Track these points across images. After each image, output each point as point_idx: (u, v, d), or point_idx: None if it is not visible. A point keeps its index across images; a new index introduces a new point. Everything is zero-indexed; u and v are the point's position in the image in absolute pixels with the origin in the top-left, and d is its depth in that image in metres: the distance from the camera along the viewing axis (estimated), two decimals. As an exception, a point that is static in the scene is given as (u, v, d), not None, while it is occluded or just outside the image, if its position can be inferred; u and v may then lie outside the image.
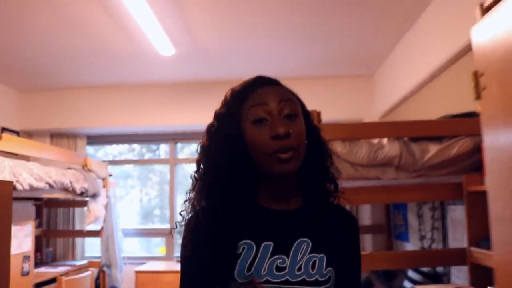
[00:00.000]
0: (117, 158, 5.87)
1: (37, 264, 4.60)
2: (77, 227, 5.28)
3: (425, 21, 3.33)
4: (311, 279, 1.01)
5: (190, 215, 1.09)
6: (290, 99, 1.05)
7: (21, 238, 3.54)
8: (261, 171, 1.06)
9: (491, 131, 1.24)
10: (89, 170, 4.64)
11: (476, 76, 1.14)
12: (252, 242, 1.03)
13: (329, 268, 1.03)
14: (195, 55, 4.13)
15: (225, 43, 3.93)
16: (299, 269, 1.01)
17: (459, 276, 2.77)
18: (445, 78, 3.18)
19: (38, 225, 4.94)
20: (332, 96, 4.88)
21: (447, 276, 2.97)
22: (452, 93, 3.05)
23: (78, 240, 5.27)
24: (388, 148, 2.31)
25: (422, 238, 3.43)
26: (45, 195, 3.84)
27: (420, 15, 3.34)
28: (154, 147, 5.98)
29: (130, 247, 5.59)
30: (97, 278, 4.81)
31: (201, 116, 4.91)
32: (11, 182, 1.75)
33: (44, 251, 5.05)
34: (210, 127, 1.11)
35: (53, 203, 5.13)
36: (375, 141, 2.36)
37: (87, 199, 4.64)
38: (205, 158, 1.09)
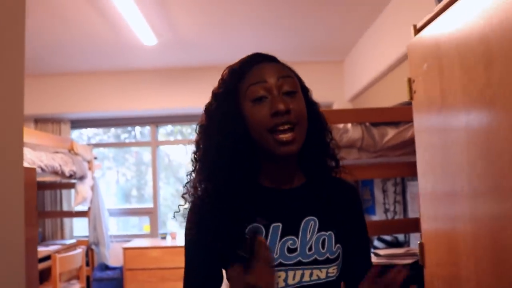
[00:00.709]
0: (92, 140, 6.07)
1: (28, 244, 4.83)
2: (65, 208, 5.52)
3: (388, 14, 3.64)
4: (322, 258, 1.02)
5: (193, 197, 1.08)
6: (289, 75, 1.04)
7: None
8: (262, 150, 1.04)
9: (419, 119, 1.53)
10: (76, 154, 4.87)
11: (410, 82, 1.47)
12: (260, 225, 1.03)
13: (338, 245, 1.04)
14: (176, 44, 4.37)
15: (204, 33, 4.17)
16: (310, 248, 1.01)
17: (416, 243, 3.14)
18: (404, 68, 3.50)
19: (27, 207, 5.14)
20: (305, 81, 5.16)
21: (407, 243, 3.34)
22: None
23: (66, 220, 5.51)
24: (352, 132, 2.63)
25: (386, 211, 3.79)
26: (37, 179, 4.08)
27: (385, 8, 3.65)
28: (129, 128, 6.16)
29: (111, 226, 5.86)
30: (86, 256, 5.09)
31: (180, 100, 5.22)
32: (34, 168, 1.98)
33: (33, 231, 5.28)
34: (208, 107, 1.09)
35: (40, 186, 5.34)
36: (341, 126, 2.68)
37: (74, 181, 4.89)
38: (204, 138, 1.07)
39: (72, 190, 5.22)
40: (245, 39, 4.38)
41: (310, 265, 1.01)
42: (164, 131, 6.12)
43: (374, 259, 2.48)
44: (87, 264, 4.94)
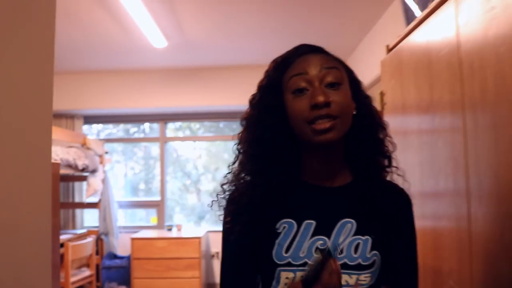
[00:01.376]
0: (101, 134, 6.29)
1: (42, 233, 5.10)
2: (76, 199, 5.79)
3: (380, 28, 3.85)
4: (353, 263, 0.96)
5: (231, 188, 1.07)
6: (333, 66, 0.99)
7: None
8: (303, 143, 1.01)
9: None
10: (88, 148, 5.14)
11: (381, 95, 1.70)
12: (293, 221, 0.99)
13: (374, 252, 0.97)
14: (184, 46, 4.61)
15: (211, 36, 4.41)
16: (341, 252, 0.96)
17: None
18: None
19: (41, 198, 5.42)
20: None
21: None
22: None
23: (77, 211, 5.79)
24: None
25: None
26: (52, 171, 4.34)
27: (378, 20, 3.86)
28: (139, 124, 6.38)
29: (120, 218, 6.10)
30: (96, 245, 5.36)
31: (188, 98, 5.47)
32: (59, 163, 2.21)
33: (46, 221, 5.55)
34: (252, 99, 1.08)
35: (54, 178, 5.62)
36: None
37: (86, 174, 5.16)
38: (247, 130, 1.06)
39: (84, 183, 5.50)
40: (249, 42, 4.61)
41: None
42: (173, 126, 6.33)
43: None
44: (97, 253, 5.21)
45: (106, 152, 5.61)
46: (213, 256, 5.66)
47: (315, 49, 1.05)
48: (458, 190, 1.12)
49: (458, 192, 1.12)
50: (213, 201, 1.08)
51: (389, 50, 1.63)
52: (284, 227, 0.99)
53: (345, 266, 0.96)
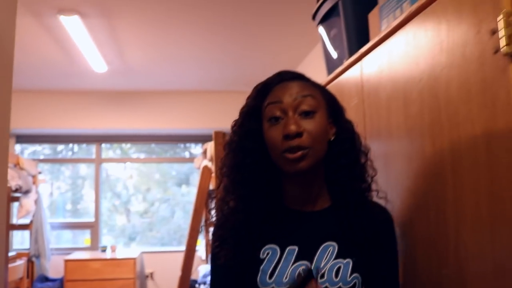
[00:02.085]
0: (25, 152, 6.14)
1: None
2: (5, 220, 5.63)
3: (312, 57, 4.21)
4: (334, 287, 0.96)
5: (219, 213, 1.09)
6: (309, 94, 1.00)
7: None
8: (281, 170, 1.02)
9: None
10: (21, 168, 5.07)
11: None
12: (276, 246, 1.01)
13: (355, 274, 0.97)
14: (124, 71, 4.75)
15: (150, 62, 4.58)
16: (322, 276, 0.97)
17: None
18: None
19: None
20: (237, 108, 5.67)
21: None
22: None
23: (6, 233, 5.62)
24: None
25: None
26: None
27: (310, 52, 4.23)
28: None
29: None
30: (27, 268, 5.24)
31: (125, 121, 5.59)
32: (10, 186, 2.23)
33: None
34: (233, 125, 1.09)
35: (-18, 199, 5.45)
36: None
37: (18, 195, 5.07)
38: (229, 155, 1.07)
39: (16, 203, 5.39)
40: (187, 68, 4.81)
41: None
42: (103, 145, 6.27)
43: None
44: (27, 276, 5.10)
45: (40, 172, 5.54)
46: (147, 276, 5.71)
47: (294, 76, 1.06)
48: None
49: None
50: (201, 225, 1.15)
51: (328, 83, 1.90)
52: (268, 253, 1.00)
53: None
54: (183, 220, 6.20)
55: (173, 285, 3.82)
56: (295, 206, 1.06)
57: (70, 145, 6.28)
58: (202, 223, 1.34)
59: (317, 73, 1.91)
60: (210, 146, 3.94)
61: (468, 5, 0.88)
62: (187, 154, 6.46)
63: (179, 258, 3.70)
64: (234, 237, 1.02)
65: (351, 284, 0.97)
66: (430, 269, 1.03)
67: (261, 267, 0.99)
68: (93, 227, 5.93)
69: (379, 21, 1.44)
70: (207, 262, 5.01)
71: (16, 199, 5.26)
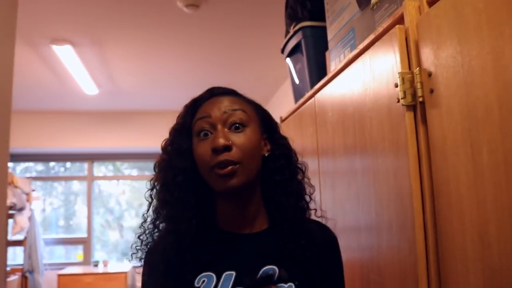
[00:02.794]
0: (17, 169, 6.34)
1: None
2: (0, 237, 5.78)
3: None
4: None
5: (149, 238, 1.01)
6: (239, 108, 0.96)
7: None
8: (212, 189, 0.96)
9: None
10: (15, 186, 5.25)
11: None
12: (212, 274, 0.93)
13: None
14: (114, 93, 4.97)
15: (138, 84, 4.82)
16: None
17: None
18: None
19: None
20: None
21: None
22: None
23: None
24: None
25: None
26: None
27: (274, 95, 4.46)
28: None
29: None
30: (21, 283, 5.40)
31: (115, 140, 5.77)
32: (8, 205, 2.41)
33: (-33, 260, 5.50)
34: (163, 143, 1.04)
35: (-23, 216, 5.60)
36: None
37: (12, 212, 5.24)
38: (159, 175, 1.01)
39: (10, 220, 5.55)
40: (172, 90, 5.03)
41: None
42: (96, 162, 6.47)
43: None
44: (21, 291, 5.25)
45: (33, 190, 5.72)
46: (138, 290, 5.87)
47: (225, 92, 1.03)
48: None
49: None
50: (132, 253, 1.02)
51: (283, 120, 2.12)
52: (204, 281, 0.92)
53: None
54: (176, 235, 6.35)
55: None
56: (231, 228, 0.99)
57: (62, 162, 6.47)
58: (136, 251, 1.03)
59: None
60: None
61: (383, 59, 1.10)
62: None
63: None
64: (165, 262, 0.94)
65: None
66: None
67: None
68: (85, 243, 6.10)
69: (329, 63, 1.67)
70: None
71: (11, 216, 5.42)
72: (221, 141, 0.91)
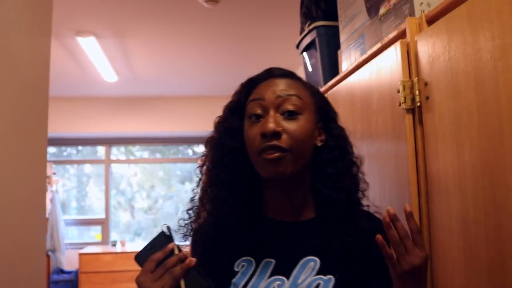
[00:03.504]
0: None
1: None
2: (23, 218, 6.04)
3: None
4: None
5: (195, 214, 0.99)
6: (294, 94, 0.92)
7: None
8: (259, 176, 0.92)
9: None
10: (38, 170, 5.48)
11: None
12: (252, 259, 0.92)
13: None
14: (132, 79, 5.15)
15: (157, 71, 4.99)
16: None
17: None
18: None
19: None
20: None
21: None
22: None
23: (23, 229, 6.04)
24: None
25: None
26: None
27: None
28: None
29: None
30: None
31: (133, 125, 5.98)
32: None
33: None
34: (216, 120, 1.01)
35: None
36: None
37: (35, 194, 5.48)
38: (208, 152, 0.99)
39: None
40: (191, 76, 5.21)
41: None
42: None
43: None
44: (44, 268, 5.51)
45: (54, 173, 5.96)
46: (154, 268, 6.11)
47: (283, 74, 0.98)
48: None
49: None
50: (179, 225, 1.01)
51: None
52: (243, 266, 0.92)
53: None
54: (188, 217, 6.58)
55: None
56: (276, 215, 0.97)
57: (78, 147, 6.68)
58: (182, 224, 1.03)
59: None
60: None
61: (388, 68, 1.27)
62: (190, 152, 6.84)
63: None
64: (203, 244, 0.95)
65: None
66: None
67: (233, 280, 0.91)
68: (103, 223, 6.36)
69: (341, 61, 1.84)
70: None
71: (33, 198, 5.67)
72: (271, 126, 0.88)
